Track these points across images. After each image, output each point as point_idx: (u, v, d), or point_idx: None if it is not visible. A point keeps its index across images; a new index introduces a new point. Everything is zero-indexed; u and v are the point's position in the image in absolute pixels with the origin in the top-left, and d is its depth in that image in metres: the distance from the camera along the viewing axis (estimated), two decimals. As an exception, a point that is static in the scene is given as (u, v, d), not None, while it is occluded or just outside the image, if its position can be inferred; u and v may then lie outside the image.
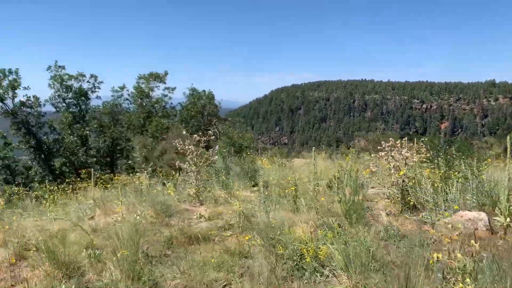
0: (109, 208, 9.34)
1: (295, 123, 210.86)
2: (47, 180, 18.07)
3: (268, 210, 6.88)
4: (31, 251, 6.10)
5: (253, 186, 10.57)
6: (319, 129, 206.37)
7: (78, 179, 17.13)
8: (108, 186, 13.75)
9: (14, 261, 5.36)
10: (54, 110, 19.76)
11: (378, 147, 7.45)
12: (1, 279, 5.05)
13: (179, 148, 9.06)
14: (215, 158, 9.00)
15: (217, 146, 9.24)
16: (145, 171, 12.44)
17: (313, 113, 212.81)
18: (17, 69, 18.29)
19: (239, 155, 12.01)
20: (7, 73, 17.77)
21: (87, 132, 18.84)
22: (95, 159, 18.66)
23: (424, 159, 7.73)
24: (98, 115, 19.88)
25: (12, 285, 4.86)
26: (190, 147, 8.88)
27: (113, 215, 9.07)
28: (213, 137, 9.08)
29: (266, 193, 8.33)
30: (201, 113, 20.06)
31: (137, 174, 12.93)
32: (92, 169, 18.38)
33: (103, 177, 15.61)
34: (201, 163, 9.18)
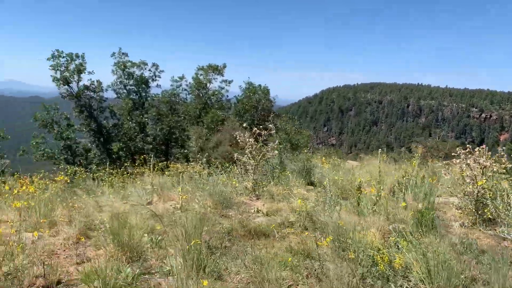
0: (166, 195, 9.40)
1: (345, 125, 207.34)
2: (105, 163, 18.73)
3: (331, 210, 6.59)
4: (95, 231, 6.20)
5: (308, 184, 10.32)
6: (369, 132, 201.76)
7: (135, 164, 17.62)
8: (165, 173, 13.96)
9: (82, 239, 5.40)
10: (115, 96, 20.45)
11: (453, 153, 6.98)
12: (67, 256, 5.12)
13: (239, 140, 8.95)
14: (275, 153, 8.81)
15: (276, 141, 9.04)
16: (199, 161, 12.49)
17: (364, 115, 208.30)
18: (83, 54, 19.10)
19: (295, 152, 11.80)
20: (74, 57, 18.58)
21: (146, 119, 19.29)
22: (151, 146, 19.05)
23: (504, 170, 7.14)
24: (157, 103, 20.28)
25: (77, 263, 4.90)
26: (250, 140, 8.76)
27: (170, 201, 9.12)
28: (273, 131, 8.90)
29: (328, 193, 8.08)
30: (255, 107, 19.98)
31: (192, 163, 13.02)
32: (149, 155, 18.84)
33: (159, 164, 15.91)
34: (259, 157, 9.05)
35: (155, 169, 11.08)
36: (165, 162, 16.42)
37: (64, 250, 5.33)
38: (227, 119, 15.86)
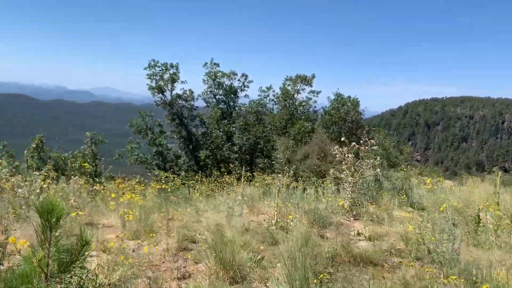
0: (256, 207, 9.14)
1: (431, 140, 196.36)
2: (192, 170, 19.28)
3: (449, 239, 5.84)
4: (194, 243, 6.06)
5: (406, 205, 9.53)
6: (458, 149, 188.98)
7: (220, 172, 17.81)
8: (251, 183, 13.79)
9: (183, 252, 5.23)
10: (204, 104, 20.96)
11: None
12: (166, 269, 4.99)
13: (337, 155, 8.47)
14: (377, 171, 8.19)
15: (378, 157, 8.41)
16: (286, 173, 12.15)
17: (452, 131, 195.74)
18: (177, 63, 19.82)
19: (391, 170, 11.05)
20: (168, 67, 19.39)
21: (233, 128, 19.51)
22: (237, 155, 19.19)
23: None
24: (244, 113, 20.44)
25: (178, 278, 4.74)
26: (350, 155, 8.24)
27: (260, 215, 8.84)
28: (375, 146, 8.29)
29: (431, 216, 7.32)
30: (343, 119, 19.29)
31: (278, 175, 12.72)
32: (235, 164, 18.99)
33: (246, 174, 15.87)
34: (358, 175, 8.49)
35: (244, 179, 10.89)
36: (250, 173, 16.42)
37: (164, 262, 5.23)
38: (315, 131, 15.43)
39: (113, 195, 8.38)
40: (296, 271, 4.69)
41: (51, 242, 3.06)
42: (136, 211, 7.57)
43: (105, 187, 9.21)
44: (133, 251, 5.53)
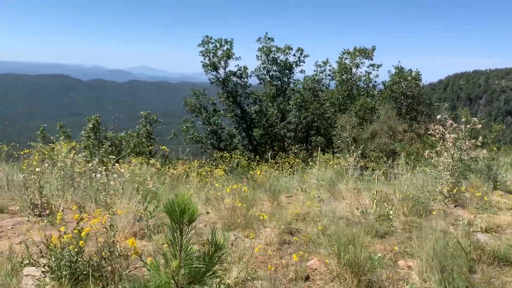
0: (337, 192, 8.49)
1: (473, 114, 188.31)
2: (247, 149, 18.80)
3: None
4: (291, 234, 5.50)
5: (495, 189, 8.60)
6: (502, 123, 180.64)
7: (274, 151, 17.21)
8: (320, 164, 13.01)
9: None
10: (257, 82, 20.20)
11: None
12: (275, 267, 4.43)
13: (434, 133, 7.61)
14: (484, 153, 7.31)
15: (480, 137, 7.48)
16: (354, 153, 11.41)
17: (496, 104, 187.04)
18: (231, 39, 19.03)
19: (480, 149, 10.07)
20: (223, 43, 18.68)
21: (289, 106, 18.71)
22: (293, 133, 18.46)
23: None
24: (299, 89, 19.60)
25: (294, 279, 4.16)
26: (451, 135, 7.37)
27: (341, 200, 8.18)
28: (479, 125, 7.38)
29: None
30: (404, 94, 18.13)
31: (346, 155, 12.00)
32: (293, 143, 18.35)
33: (303, 154, 15.18)
34: (457, 156, 7.62)
35: (319, 160, 10.11)
36: (306, 152, 15.75)
37: (269, 258, 4.67)
38: (381, 107, 14.44)
39: (194, 176, 7.88)
40: (442, 271, 4.01)
41: (182, 247, 2.52)
42: (226, 197, 7.05)
43: (173, 170, 8.72)
44: (231, 244, 5.00)
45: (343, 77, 18.83)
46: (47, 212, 5.27)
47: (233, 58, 18.60)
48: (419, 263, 4.24)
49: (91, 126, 16.22)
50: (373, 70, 19.09)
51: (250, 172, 9.83)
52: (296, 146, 16.06)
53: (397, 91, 17.94)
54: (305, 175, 9.62)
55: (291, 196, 8.06)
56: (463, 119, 8.09)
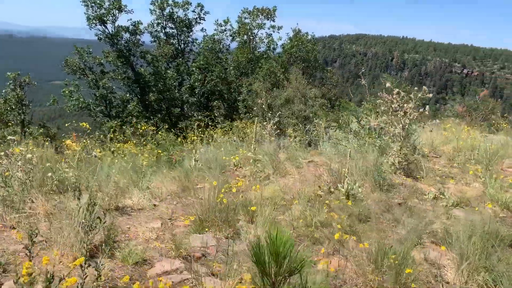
0: (279, 166, 7.87)
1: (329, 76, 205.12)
2: (143, 117, 16.83)
3: None
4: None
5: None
6: (353, 85, 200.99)
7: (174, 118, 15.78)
8: (235, 133, 12.21)
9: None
10: (150, 40, 17.93)
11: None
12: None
13: (389, 103, 7.32)
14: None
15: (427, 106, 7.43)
16: (271, 120, 10.96)
17: (348, 67, 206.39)
18: (121, -13, 16.22)
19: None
20: (110, -7, 15.81)
21: (192, 68, 17.00)
22: (195, 98, 16.99)
23: None
24: (198, 50, 18.05)
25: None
26: (408, 105, 7.15)
27: (288, 176, 7.60)
28: (429, 94, 7.32)
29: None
30: (301, 58, 18.04)
31: (264, 122, 11.42)
32: (194, 109, 17.00)
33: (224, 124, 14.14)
34: (406, 124, 7.50)
35: (256, 129, 9.07)
36: (209, 119, 14.70)
37: None
38: (290, 72, 14.00)
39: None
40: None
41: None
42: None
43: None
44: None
45: (245, 37, 17.88)
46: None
47: (124, 11, 16.09)
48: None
49: None
50: (273, 32, 18.52)
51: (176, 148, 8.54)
52: (199, 113, 14.94)
53: (295, 55, 17.72)
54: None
55: (228, 172, 7.15)
56: (387, 85, 7.95)
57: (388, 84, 7.77)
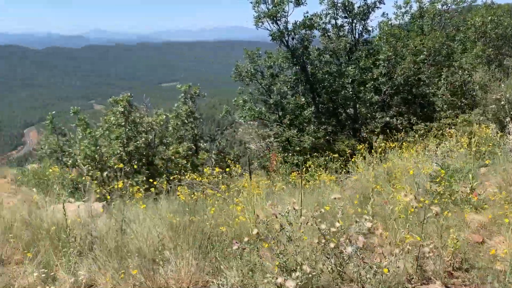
0: None
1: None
2: (323, 122, 14.79)
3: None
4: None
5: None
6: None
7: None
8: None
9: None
10: (319, 34, 15.66)
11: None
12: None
13: None
14: None
15: None
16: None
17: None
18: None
19: None
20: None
21: (379, 62, 14.36)
22: (378, 97, 14.33)
23: None
24: (373, 39, 15.49)
25: None
26: None
27: None
28: None
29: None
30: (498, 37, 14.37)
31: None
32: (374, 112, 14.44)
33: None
34: None
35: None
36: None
37: None
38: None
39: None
40: None
41: None
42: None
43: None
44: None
45: (433, 19, 14.60)
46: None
47: (303, 3, 14.00)
48: None
49: (122, 109, 11.98)
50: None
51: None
52: (383, 113, 12.33)
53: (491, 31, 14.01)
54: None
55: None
56: None
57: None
